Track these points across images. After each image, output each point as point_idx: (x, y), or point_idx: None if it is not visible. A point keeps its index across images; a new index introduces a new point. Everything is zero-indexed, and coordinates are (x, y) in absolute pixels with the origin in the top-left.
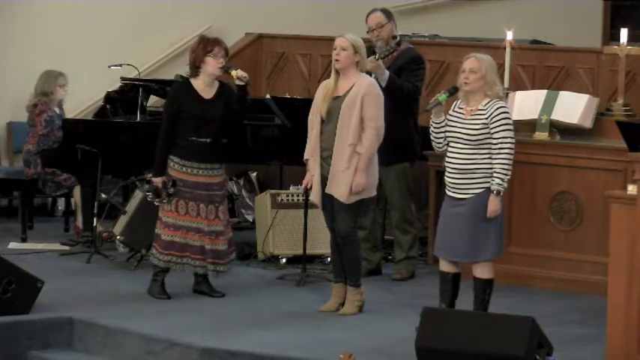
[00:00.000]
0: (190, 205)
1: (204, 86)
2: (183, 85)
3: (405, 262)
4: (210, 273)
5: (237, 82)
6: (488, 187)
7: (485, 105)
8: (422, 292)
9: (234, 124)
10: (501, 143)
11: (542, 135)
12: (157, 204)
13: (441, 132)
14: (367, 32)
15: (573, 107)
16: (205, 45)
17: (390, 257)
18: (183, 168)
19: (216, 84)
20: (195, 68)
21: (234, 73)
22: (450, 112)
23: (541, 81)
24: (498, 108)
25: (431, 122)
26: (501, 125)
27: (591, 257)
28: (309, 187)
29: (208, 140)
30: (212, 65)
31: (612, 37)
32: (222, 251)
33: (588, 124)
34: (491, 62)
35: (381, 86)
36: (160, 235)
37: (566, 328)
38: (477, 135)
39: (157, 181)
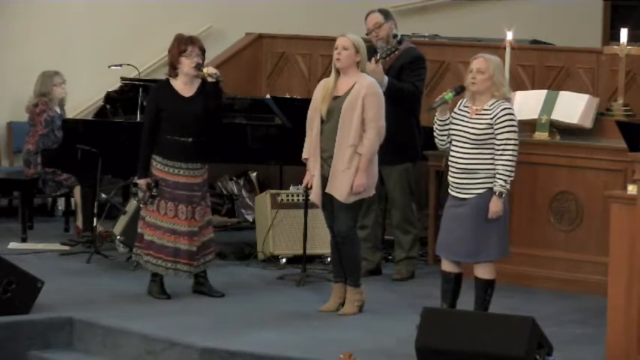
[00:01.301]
0: (169, 205)
1: (184, 85)
2: (162, 85)
3: (406, 262)
4: (183, 275)
5: (209, 79)
6: (491, 188)
7: (491, 105)
8: (422, 292)
9: (213, 122)
10: (505, 144)
11: (542, 135)
12: (141, 205)
13: (445, 130)
14: (366, 34)
15: (573, 107)
16: (179, 45)
17: (390, 257)
18: (166, 167)
19: (197, 82)
20: (173, 69)
21: (205, 70)
22: (455, 110)
23: (541, 81)
24: (504, 109)
25: (435, 119)
26: (506, 127)
27: (591, 257)
28: (309, 186)
29: (190, 140)
30: (187, 65)
31: (612, 37)
32: (194, 252)
33: (588, 124)
34: (499, 63)
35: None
36: (142, 234)
37: (566, 328)
38: (480, 135)
39: (142, 183)
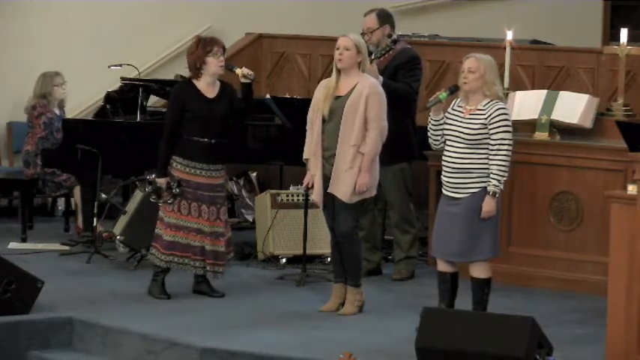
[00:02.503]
0: (193, 205)
1: (207, 86)
2: (186, 85)
3: (405, 262)
4: (209, 274)
5: (243, 80)
6: (485, 187)
7: (484, 105)
8: (422, 292)
9: (238, 123)
10: (499, 144)
11: (542, 135)
12: (160, 204)
13: (438, 130)
14: (361, 33)
15: (573, 107)
16: (204, 45)
17: (390, 257)
18: (187, 168)
19: (218, 83)
20: (196, 69)
21: (239, 71)
22: (449, 110)
23: (541, 81)
24: (498, 109)
25: (429, 119)
26: (500, 127)
27: (591, 257)
28: (310, 186)
29: (213, 141)
30: (215, 65)
31: (612, 37)
32: (221, 252)
33: (588, 124)
34: (491, 62)
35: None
36: (161, 235)
37: (566, 328)
38: (474, 135)
39: (162, 181)
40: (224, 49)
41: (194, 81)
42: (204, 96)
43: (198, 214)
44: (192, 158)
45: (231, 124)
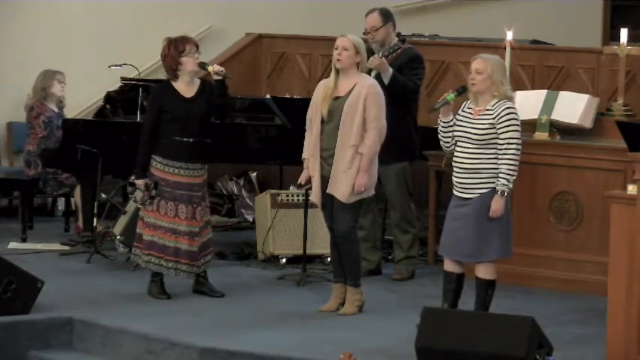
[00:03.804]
0: (169, 205)
1: (186, 86)
2: (164, 86)
3: (405, 261)
4: (183, 275)
5: (215, 77)
6: (494, 188)
7: (493, 105)
8: (422, 292)
9: (218, 120)
10: (508, 144)
11: (542, 135)
12: (139, 206)
13: (448, 131)
14: (363, 33)
15: (573, 107)
16: (177, 46)
17: (390, 257)
18: (166, 167)
19: (197, 82)
20: (173, 71)
21: (210, 68)
22: (459, 112)
23: (541, 81)
24: (506, 109)
25: (439, 121)
26: (508, 126)
27: (591, 257)
28: (304, 183)
29: (191, 140)
30: (190, 63)
31: (612, 37)
32: (196, 252)
33: (588, 124)
34: (499, 62)
35: (382, 84)
36: (141, 234)
37: (566, 328)
38: (483, 135)
39: (140, 183)
40: (197, 46)
41: (172, 82)
42: (181, 96)
43: (174, 213)
44: (172, 157)
45: (214, 124)
